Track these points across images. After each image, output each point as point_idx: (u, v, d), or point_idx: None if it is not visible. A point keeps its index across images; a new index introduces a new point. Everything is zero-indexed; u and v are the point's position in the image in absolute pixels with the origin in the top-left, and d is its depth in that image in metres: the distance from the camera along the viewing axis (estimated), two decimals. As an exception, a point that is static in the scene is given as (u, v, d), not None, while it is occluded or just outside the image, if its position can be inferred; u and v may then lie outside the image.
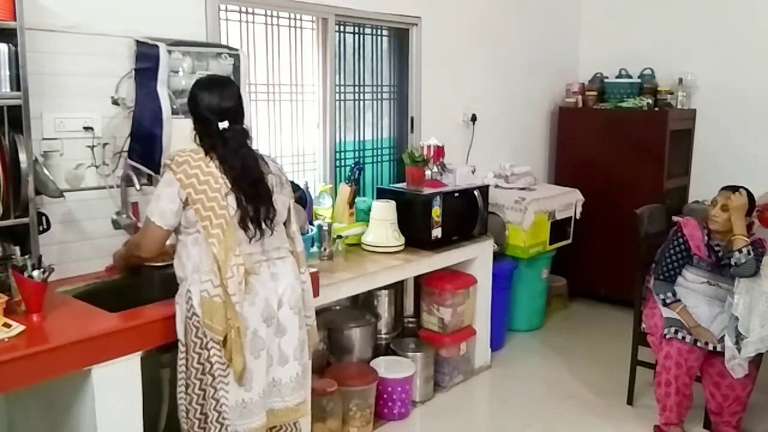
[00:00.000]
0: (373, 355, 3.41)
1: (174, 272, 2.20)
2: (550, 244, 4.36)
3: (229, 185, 2.10)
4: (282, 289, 2.20)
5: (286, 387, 2.26)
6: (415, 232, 3.35)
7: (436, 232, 3.39)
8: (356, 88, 3.77)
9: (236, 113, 2.20)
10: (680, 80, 4.81)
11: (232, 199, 2.10)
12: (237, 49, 2.77)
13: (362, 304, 3.59)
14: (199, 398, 2.11)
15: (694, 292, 3.16)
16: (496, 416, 3.45)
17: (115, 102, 2.57)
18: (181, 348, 2.14)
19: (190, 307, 2.09)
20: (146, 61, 2.54)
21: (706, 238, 3.11)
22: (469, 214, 3.61)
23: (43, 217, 2.28)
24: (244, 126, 2.22)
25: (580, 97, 5.02)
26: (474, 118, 4.35)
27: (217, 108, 2.16)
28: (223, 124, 2.16)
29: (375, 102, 3.90)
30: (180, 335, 2.14)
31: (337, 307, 3.49)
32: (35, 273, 2.06)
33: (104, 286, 2.52)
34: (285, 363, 2.24)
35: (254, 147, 2.26)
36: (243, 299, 2.08)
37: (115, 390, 2.05)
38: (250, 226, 2.13)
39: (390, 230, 3.28)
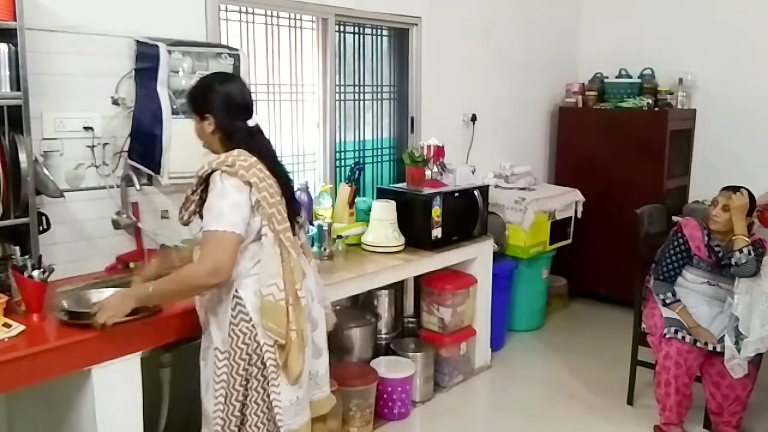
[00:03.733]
0: (373, 355, 3.41)
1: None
2: (550, 244, 4.36)
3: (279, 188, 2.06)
4: (312, 285, 2.22)
5: (323, 378, 2.30)
6: (415, 232, 3.35)
7: (436, 232, 3.38)
8: (356, 88, 3.76)
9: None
10: (680, 80, 4.81)
11: (284, 203, 2.07)
12: (237, 49, 2.78)
13: (362, 304, 3.59)
14: (240, 405, 2.02)
15: (694, 293, 3.15)
16: (496, 416, 3.45)
17: (115, 102, 2.58)
18: (220, 357, 2.01)
19: (237, 313, 1.99)
20: (146, 61, 2.54)
21: (706, 238, 3.11)
22: (469, 214, 3.60)
23: (43, 217, 2.28)
24: None
25: (580, 97, 5.02)
26: (474, 118, 4.35)
27: (246, 104, 2.07)
28: (252, 121, 2.08)
29: (375, 102, 3.90)
30: (218, 344, 2.02)
31: (337, 307, 3.48)
32: (35, 273, 2.06)
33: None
34: (320, 355, 2.27)
35: None
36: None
37: (115, 390, 2.05)
38: (295, 228, 2.13)
39: (390, 230, 3.28)
